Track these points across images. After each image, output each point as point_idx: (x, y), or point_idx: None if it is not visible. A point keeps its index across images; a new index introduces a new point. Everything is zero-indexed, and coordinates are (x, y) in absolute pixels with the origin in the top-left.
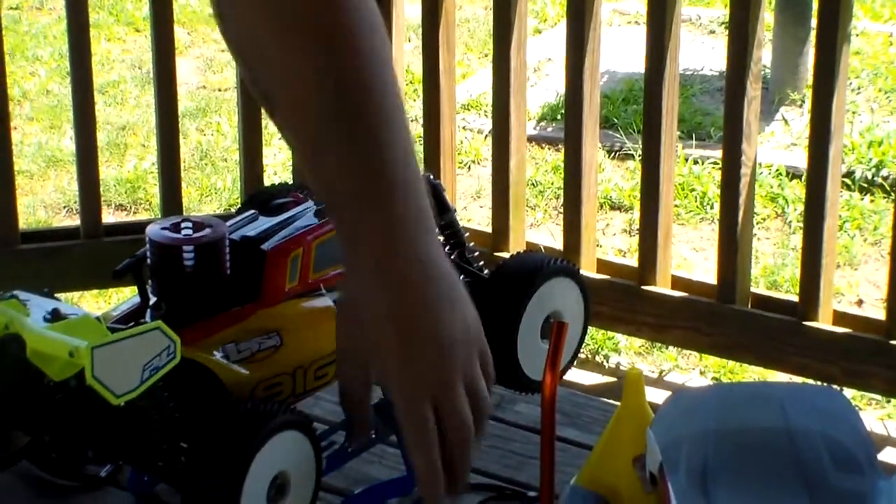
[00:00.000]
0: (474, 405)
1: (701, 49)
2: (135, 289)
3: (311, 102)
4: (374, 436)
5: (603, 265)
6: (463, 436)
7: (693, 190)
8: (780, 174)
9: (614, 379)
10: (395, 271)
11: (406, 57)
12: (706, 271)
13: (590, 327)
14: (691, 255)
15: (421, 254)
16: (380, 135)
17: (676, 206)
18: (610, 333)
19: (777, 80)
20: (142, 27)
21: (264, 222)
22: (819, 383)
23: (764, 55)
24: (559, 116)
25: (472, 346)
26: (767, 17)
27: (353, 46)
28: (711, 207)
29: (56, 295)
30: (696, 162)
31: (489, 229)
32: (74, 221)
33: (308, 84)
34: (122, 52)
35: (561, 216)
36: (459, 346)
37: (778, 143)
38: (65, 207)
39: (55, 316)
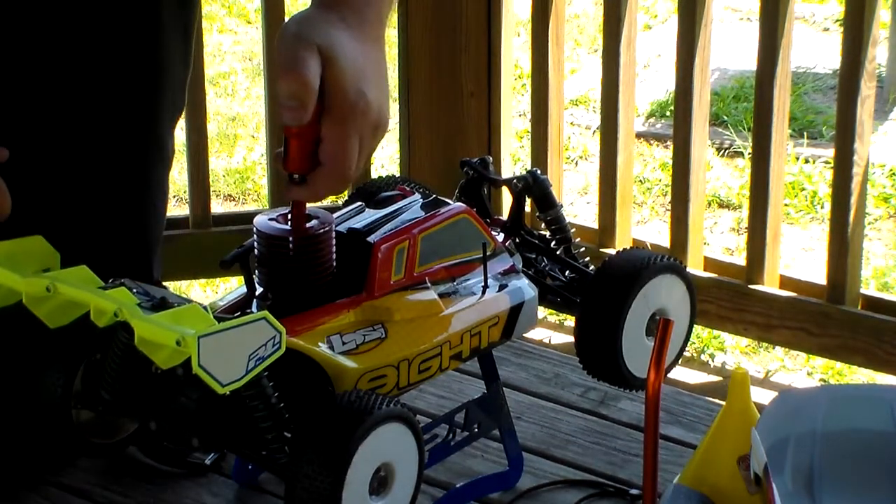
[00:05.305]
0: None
1: (814, 46)
2: (241, 279)
3: None
4: (476, 430)
5: (710, 263)
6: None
7: (803, 189)
8: (894, 174)
9: (720, 378)
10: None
11: (515, 52)
12: (815, 272)
13: (695, 325)
14: (800, 255)
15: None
16: None
17: (786, 205)
18: (716, 332)
19: (892, 79)
20: (253, 19)
21: (370, 215)
22: None
23: (879, 53)
24: (668, 113)
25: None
26: (883, 14)
27: None
28: (822, 207)
29: (164, 283)
30: (806, 161)
31: (595, 225)
32: (184, 211)
33: None
34: (233, 44)
35: (668, 213)
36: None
37: (892, 142)
38: (174, 197)
39: (163, 304)
